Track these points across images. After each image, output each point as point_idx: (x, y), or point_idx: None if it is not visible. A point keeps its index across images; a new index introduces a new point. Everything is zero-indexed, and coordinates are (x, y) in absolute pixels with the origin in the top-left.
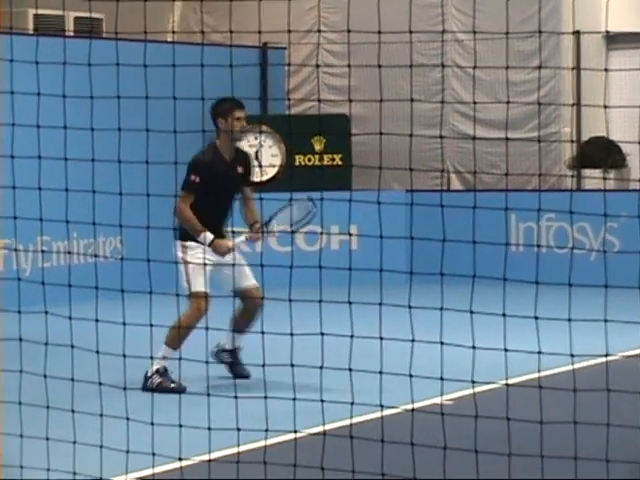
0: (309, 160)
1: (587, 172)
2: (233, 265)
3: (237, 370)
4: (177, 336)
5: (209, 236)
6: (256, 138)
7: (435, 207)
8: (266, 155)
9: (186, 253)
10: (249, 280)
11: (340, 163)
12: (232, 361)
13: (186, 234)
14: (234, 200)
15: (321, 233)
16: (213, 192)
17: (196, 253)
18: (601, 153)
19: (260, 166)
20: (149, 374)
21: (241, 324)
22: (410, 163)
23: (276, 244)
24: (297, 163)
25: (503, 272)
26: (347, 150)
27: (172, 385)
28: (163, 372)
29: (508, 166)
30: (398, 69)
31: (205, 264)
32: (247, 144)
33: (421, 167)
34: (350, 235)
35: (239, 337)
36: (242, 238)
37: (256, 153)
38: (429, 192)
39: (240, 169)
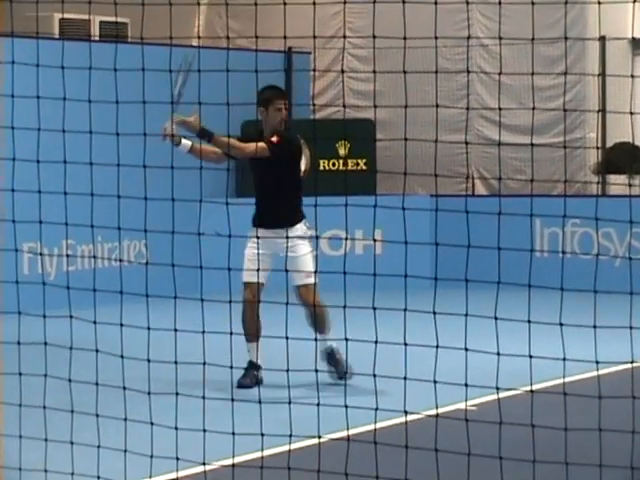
0: (333, 165)
1: (612, 178)
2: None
3: (340, 370)
4: (244, 329)
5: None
6: None
7: (460, 213)
8: None
9: (247, 242)
10: (297, 278)
11: (364, 168)
12: (330, 363)
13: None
14: (282, 184)
15: (346, 238)
16: (257, 173)
17: (250, 241)
18: (626, 159)
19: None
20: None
21: (312, 324)
22: (435, 169)
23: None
24: (322, 168)
25: (528, 278)
26: (371, 155)
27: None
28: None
29: (533, 171)
30: (423, 74)
31: (259, 255)
32: None
33: (446, 172)
34: (375, 241)
35: (322, 337)
36: (188, 143)
37: None
38: (454, 197)
39: (274, 138)
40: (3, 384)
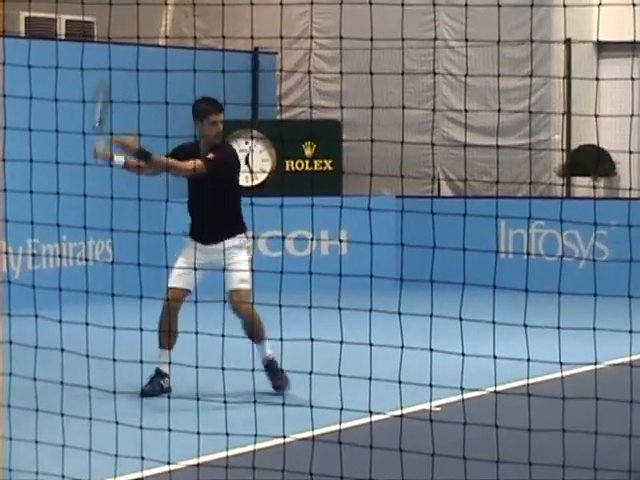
0: (299, 165)
1: (577, 180)
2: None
3: (277, 383)
4: (159, 336)
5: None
6: (247, 143)
7: (425, 214)
8: (256, 160)
9: (184, 249)
10: (230, 283)
11: (330, 168)
12: (269, 374)
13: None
14: (221, 200)
15: (312, 239)
16: (194, 189)
17: (184, 249)
18: (591, 161)
19: (251, 171)
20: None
21: (247, 332)
22: (401, 169)
23: (266, 249)
24: (287, 168)
25: (493, 279)
26: (338, 156)
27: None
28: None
29: (499, 173)
30: (389, 75)
31: (194, 266)
32: (238, 149)
33: (412, 173)
34: (340, 241)
35: (261, 347)
36: (121, 159)
37: (247, 158)
38: (419, 198)
39: (211, 155)
40: None
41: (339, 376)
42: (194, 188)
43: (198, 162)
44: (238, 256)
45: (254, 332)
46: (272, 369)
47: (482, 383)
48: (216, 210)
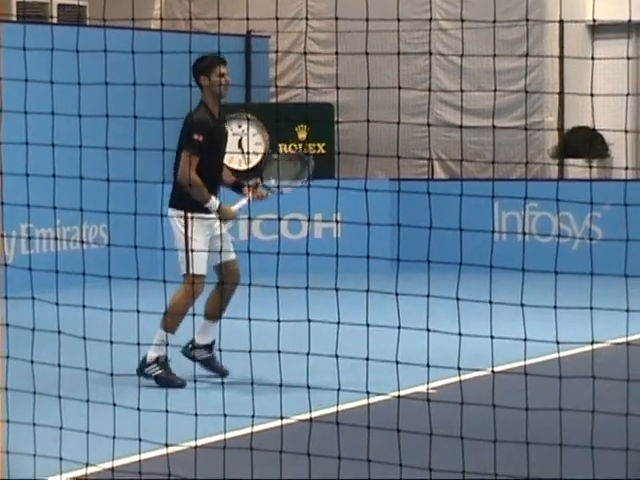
0: (293, 148)
1: (570, 161)
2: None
3: (215, 366)
4: (173, 321)
5: (215, 202)
6: (240, 126)
7: (419, 195)
8: (250, 143)
9: (187, 228)
10: (231, 253)
11: (324, 152)
12: (209, 356)
13: (185, 204)
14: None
15: (308, 220)
16: (213, 153)
17: (198, 230)
18: (584, 143)
19: (243, 153)
20: (148, 361)
21: (215, 307)
22: (398, 151)
23: (260, 232)
24: (281, 151)
25: (489, 260)
26: (331, 139)
27: (171, 378)
28: (163, 362)
29: (490, 154)
30: (383, 58)
31: (209, 250)
32: (230, 132)
33: (406, 156)
34: (337, 222)
35: (213, 326)
36: (244, 201)
37: (239, 141)
38: (413, 181)
39: (225, 126)
40: None
41: (336, 357)
42: (212, 154)
43: (185, 164)
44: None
45: (222, 309)
46: (214, 351)
47: (480, 364)
48: (220, 174)
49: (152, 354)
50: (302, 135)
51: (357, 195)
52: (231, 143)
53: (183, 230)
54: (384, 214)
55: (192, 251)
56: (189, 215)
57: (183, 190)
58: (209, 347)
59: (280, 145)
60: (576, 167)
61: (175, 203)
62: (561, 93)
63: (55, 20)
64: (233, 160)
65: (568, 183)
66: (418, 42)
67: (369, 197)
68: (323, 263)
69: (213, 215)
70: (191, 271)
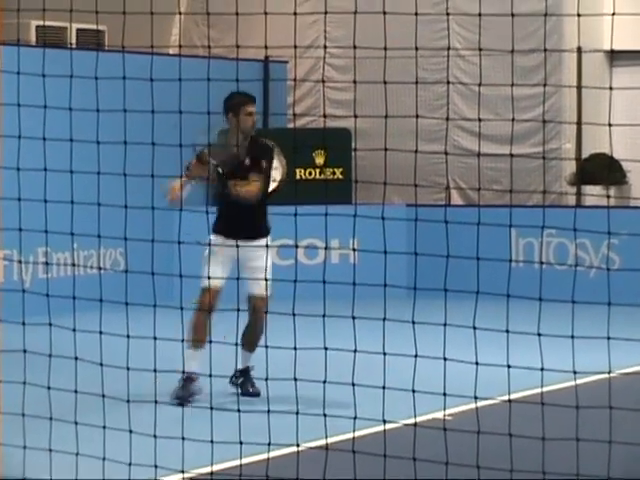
0: (310, 174)
1: (587, 189)
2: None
3: (246, 388)
4: (190, 337)
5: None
6: None
7: (436, 223)
8: None
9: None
10: (258, 287)
11: (341, 177)
12: (243, 380)
13: (213, 224)
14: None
15: (326, 248)
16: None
17: (216, 250)
18: (602, 170)
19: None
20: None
21: (246, 338)
22: (415, 178)
23: (277, 257)
24: (298, 177)
25: (507, 288)
26: (348, 164)
27: (184, 394)
28: (245, 373)
29: (507, 181)
30: (399, 84)
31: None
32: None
33: (422, 182)
34: (354, 250)
35: (248, 355)
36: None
37: None
38: (430, 207)
39: (247, 160)
40: None
41: (352, 385)
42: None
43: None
44: (266, 259)
45: (257, 340)
46: (249, 376)
47: (495, 392)
48: (254, 206)
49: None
50: (319, 160)
51: (374, 221)
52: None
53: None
54: (401, 240)
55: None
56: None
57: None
58: (243, 372)
59: (297, 170)
60: (594, 195)
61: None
62: (578, 123)
63: (74, 45)
64: None
65: (585, 210)
66: (436, 68)
67: (386, 223)
68: (340, 289)
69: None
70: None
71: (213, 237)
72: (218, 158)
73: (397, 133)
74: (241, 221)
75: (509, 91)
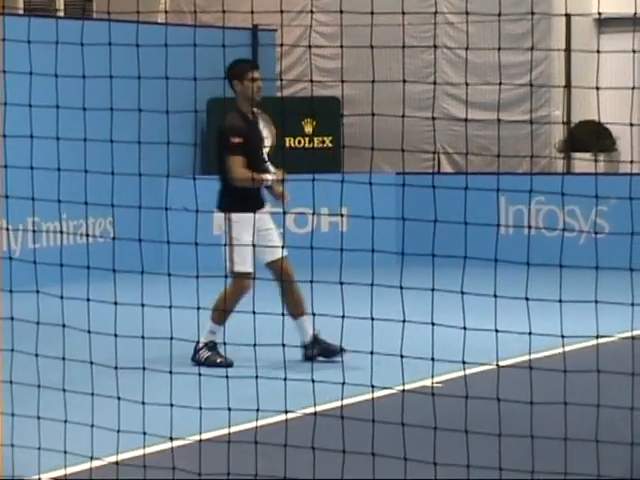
0: (299, 142)
1: (577, 155)
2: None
3: (331, 352)
4: (222, 314)
5: (268, 176)
6: None
7: (425, 189)
8: None
9: (232, 228)
10: (278, 252)
11: (330, 145)
12: (322, 349)
13: (232, 205)
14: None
15: (312, 213)
16: (253, 153)
17: (243, 228)
18: (591, 136)
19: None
20: (199, 347)
21: (292, 305)
22: (402, 144)
23: None
24: (287, 145)
25: (494, 254)
26: (337, 133)
27: (219, 360)
28: (212, 346)
29: (496, 148)
30: (389, 51)
31: (254, 245)
32: None
33: (412, 149)
34: (342, 216)
35: (304, 321)
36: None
37: None
38: (419, 175)
39: (261, 123)
40: None
41: (341, 350)
42: (252, 153)
43: (232, 164)
44: (273, 221)
45: (303, 300)
46: (322, 340)
47: (484, 358)
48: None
49: (203, 340)
50: (309, 129)
51: (363, 189)
52: None
53: (228, 230)
54: (390, 208)
55: (231, 245)
56: (232, 216)
57: (229, 192)
58: (315, 341)
59: (287, 139)
60: (583, 161)
61: (222, 205)
62: (566, 86)
63: (62, 14)
64: None
65: (575, 177)
66: (425, 36)
67: (375, 191)
68: (329, 257)
69: (261, 212)
70: (236, 269)
71: (242, 215)
72: (242, 134)
73: (386, 101)
74: (260, 192)
75: (500, 58)
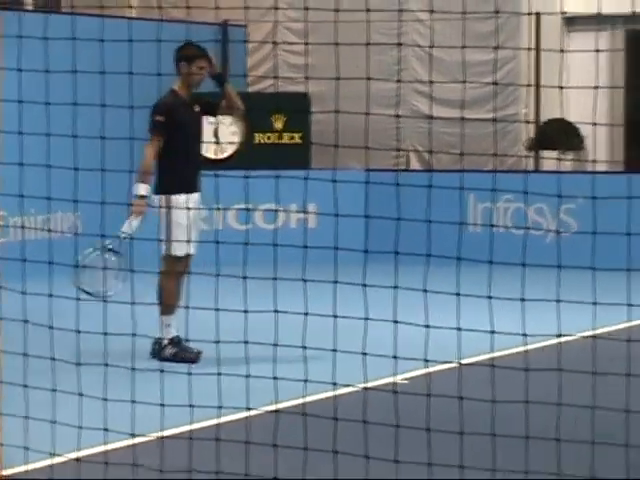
0: (268, 138)
1: (545, 154)
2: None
3: (187, 355)
4: (166, 304)
5: (140, 188)
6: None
7: (394, 187)
8: (225, 132)
9: (169, 210)
10: (193, 247)
11: (300, 142)
12: (179, 349)
13: (168, 186)
14: (201, 146)
15: (276, 210)
16: (182, 136)
17: (180, 210)
18: (559, 135)
19: (218, 143)
20: (164, 343)
21: (170, 298)
22: (366, 141)
23: (235, 222)
24: (257, 141)
25: (457, 251)
26: (307, 129)
27: (186, 354)
28: (177, 341)
29: (467, 146)
30: (360, 48)
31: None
32: (206, 121)
33: (382, 147)
34: (304, 213)
35: (172, 318)
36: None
37: (215, 130)
38: (388, 172)
39: (197, 107)
40: None
41: (304, 348)
42: (181, 136)
43: (150, 145)
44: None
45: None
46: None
47: (449, 356)
48: (199, 157)
49: (165, 337)
50: (278, 125)
51: (332, 186)
52: (207, 132)
53: (166, 212)
54: (360, 204)
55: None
56: (170, 197)
57: (167, 174)
58: (176, 343)
59: (256, 134)
60: (552, 159)
61: (160, 188)
62: (529, 85)
63: (30, 7)
64: (209, 149)
65: (543, 175)
66: (394, 33)
67: (345, 188)
68: (297, 254)
69: (194, 198)
70: (172, 252)
71: (176, 197)
72: (172, 112)
73: (356, 97)
74: (196, 172)
75: (467, 56)
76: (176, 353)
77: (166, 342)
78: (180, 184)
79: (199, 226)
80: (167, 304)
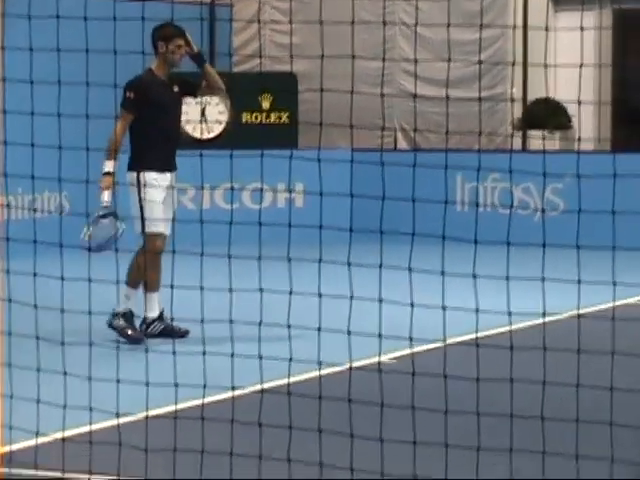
0: (256, 118)
1: (533, 133)
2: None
3: (175, 331)
4: (136, 278)
5: (106, 165)
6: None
7: (380, 166)
8: (212, 112)
9: (142, 188)
10: (168, 226)
11: (287, 121)
12: (127, 324)
13: (139, 164)
14: (179, 125)
15: (261, 189)
16: (157, 115)
17: (154, 187)
18: (547, 114)
19: (206, 122)
20: (116, 311)
21: (137, 272)
22: (351, 120)
23: (222, 201)
24: (244, 120)
25: (442, 230)
26: (294, 108)
27: (130, 332)
28: (129, 317)
29: (455, 126)
30: (346, 28)
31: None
32: (194, 101)
33: (370, 126)
34: (290, 192)
35: (134, 292)
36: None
37: (202, 110)
38: (375, 151)
39: (176, 88)
40: None
41: (289, 327)
42: (155, 114)
43: (121, 120)
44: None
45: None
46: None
47: (435, 335)
48: (178, 135)
49: (120, 308)
50: (266, 104)
51: (321, 165)
52: (194, 112)
53: (139, 190)
54: (346, 184)
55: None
56: (140, 175)
57: (140, 150)
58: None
59: (244, 114)
60: (540, 139)
61: (132, 165)
62: (514, 64)
63: None
64: (196, 129)
65: (530, 155)
66: (381, 12)
67: (332, 167)
68: (284, 233)
69: (167, 178)
70: (147, 230)
71: (151, 174)
72: (145, 90)
73: (342, 76)
74: (172, 151)
75: (455, 35)
76: (123, 328)
77: (119, 311)
78: (151, 161)
79: (173, 206)
80: (133, 278)
